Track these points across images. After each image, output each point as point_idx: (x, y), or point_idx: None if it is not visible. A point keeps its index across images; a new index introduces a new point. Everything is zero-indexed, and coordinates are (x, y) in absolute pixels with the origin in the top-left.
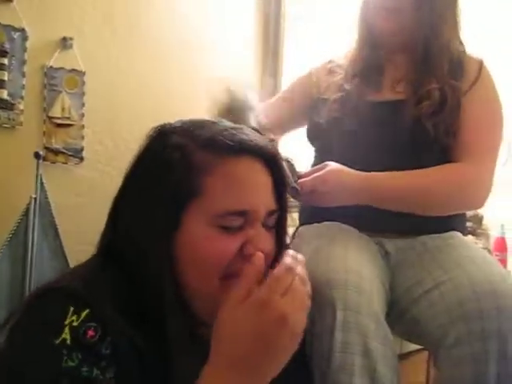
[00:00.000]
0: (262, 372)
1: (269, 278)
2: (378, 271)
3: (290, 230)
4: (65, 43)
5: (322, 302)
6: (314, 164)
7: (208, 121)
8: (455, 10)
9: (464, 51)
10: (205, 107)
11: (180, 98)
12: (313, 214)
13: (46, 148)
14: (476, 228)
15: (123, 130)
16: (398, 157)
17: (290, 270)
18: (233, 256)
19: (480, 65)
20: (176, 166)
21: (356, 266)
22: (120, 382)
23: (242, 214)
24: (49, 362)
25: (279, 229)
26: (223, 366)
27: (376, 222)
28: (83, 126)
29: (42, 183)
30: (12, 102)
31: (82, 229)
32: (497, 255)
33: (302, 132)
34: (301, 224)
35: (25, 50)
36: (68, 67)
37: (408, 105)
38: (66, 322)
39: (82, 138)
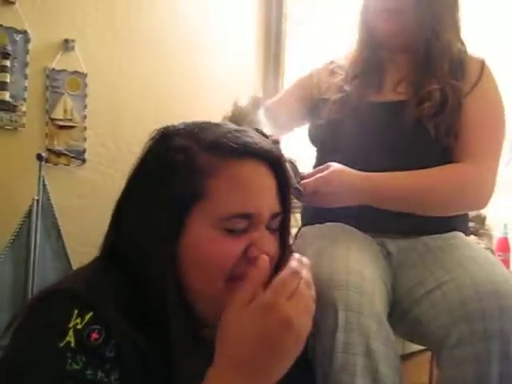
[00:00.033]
0: (266, 375)
1: (275, 282)
2: (380, 272)
3: (293, 231)
4: (67, 45)
5: (323, 302)
6: (316, 165)
7: (211, 123)
8: (455, 10)
9: (465, 51)
10: (206, 108)
11: (182, 99)
12: (315, 215)
13: (49, 150)
14: (479, 228)
15: (125, 131)
16: (398, 157)
17: (295, 273)
18: (237, 259)
19: (482, 65)
20: (180, 168)
21: (358, 267)
22: None
23: (247, 216)
24: (53, 364)
25: (283, 231)
26: (228, 369)
27: (378, 222)
28: (85, 128)
29: (44, 185)
30: (14, 103)
31: (85, 230)
32: (499, 255)
33: (303, 132)
34: (303, 225)
35: (27, 52)
36: (70, 69)
37: (409, 106)
38: (71, 325)
39: (85, 139)
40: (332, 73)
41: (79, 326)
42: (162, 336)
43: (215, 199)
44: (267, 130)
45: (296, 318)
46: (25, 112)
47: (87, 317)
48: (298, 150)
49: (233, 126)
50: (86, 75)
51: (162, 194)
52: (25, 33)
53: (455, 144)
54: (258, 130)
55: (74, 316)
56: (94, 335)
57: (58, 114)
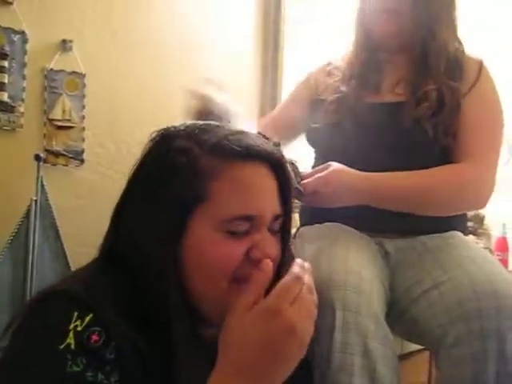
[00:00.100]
0: (269, 380)
1: (277, 287)
2: (378, 271)
3: (292, 231)
4: (65, 45)
5: (321, 303)
6: (315, 166)
7: (212, 124)
8: (452, 10)
9: (463, 51)
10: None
11: (180, 100)
12: (313, 215)
13: (47, 150)
14: (477, 228)
15: (123, 132)
16: (398, 158)
17: (298, 279)
18: (239, 261)
19: (480, 65)
20: (181, 170)
21: (356, 267)
22: None
23: (248, 218)
24: (53, 366)
25: (284, 232)
26: (230, 374)
27: (376, 222)
28: (84, 129)
29: (42, 185)
30: (12, 104)
31: (83, 231)
32: (498, 255)
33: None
34: (302, 225)
35: (25, 52)
36: (68, 69)
37: (407, 107)
38: (71, 327)
39: (83, 140)
40: (329, 74)
41: (79, 328)
42: (163, 337)
43: (217, 201)
44: (239, 119)
45: (299, 323)
46: (23, 112)
47: (87, 319)
48: (298, 150)
49: (234, 128)
50: (84, 75)
51: (162, 195)
52: (23, 33)
53: (454, 144)
54: (259, 133)
55: (74, 318)
56: (94, 337)
57: (57, 114)
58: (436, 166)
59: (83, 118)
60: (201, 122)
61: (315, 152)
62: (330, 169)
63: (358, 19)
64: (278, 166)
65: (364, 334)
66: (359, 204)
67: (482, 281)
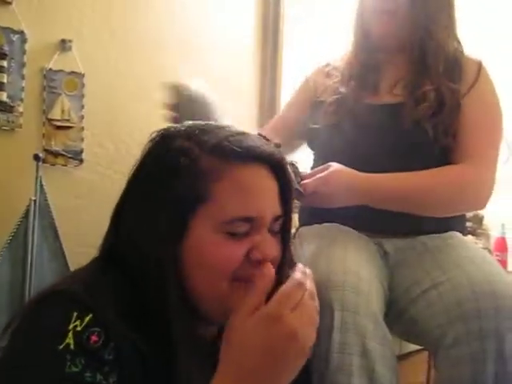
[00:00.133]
0: None
1: (279, 293)
2: (377, 271)
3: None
4: (64, 45)
5: (320, 303)
6: (314, 167)
7: (212, 125)
8: (450, 10)
9: (462, 51)
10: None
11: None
12: (312, 215)
13: (46, 150)
14: (476, 228)
15: (122, 132)
16: (397, 159)
17: (300, 285)
18: (240, 262)
19: (479, 66)
20: (182, 170)
21: (355, 267)
22: None
23: (249, 220)
24: (52, 367)
25: (284, 233)
26: (231, 379)
27: (375, 222)
28: (83, 128)
29: (41, 185)
30: (11, 104)
31: (82, 231)
32: (497, 255)
33: None
34: (301, 225)
35: (24, 52)
36: (67, 69)
37: (407, 107)
38: (70, 327)
39: (82, 140)
40: (328, 75)
41: (79, 329)
42: (163, 337)
43: (217, 202)
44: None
45: (300, 329)
46: (22, 112)
47: (87, 319)
48: (298, 151)
49: (234, 129)
50: (83, 75)
51: (162, 195)
52: (22, 33)
53: (454, 145)
54: (259, 134)
55: (74, 318)
56: (94, 338)
57: (56, 114)
58: (436, 166)
59: (82, 117)
60: (201, 123)
61: (314, 153)
62: (330, 169)
63: (356, 20)
64: (279, 168)
65: (362, 334)
66: (359, 204)
67: (481, 281)
